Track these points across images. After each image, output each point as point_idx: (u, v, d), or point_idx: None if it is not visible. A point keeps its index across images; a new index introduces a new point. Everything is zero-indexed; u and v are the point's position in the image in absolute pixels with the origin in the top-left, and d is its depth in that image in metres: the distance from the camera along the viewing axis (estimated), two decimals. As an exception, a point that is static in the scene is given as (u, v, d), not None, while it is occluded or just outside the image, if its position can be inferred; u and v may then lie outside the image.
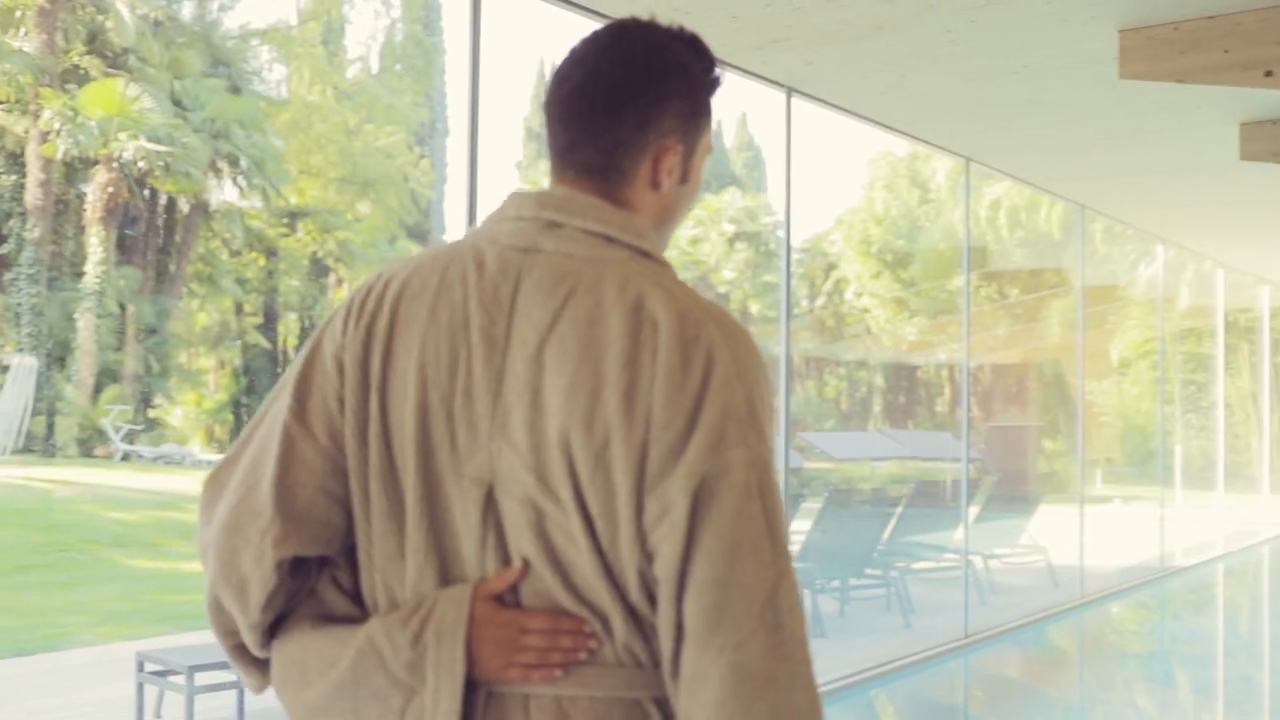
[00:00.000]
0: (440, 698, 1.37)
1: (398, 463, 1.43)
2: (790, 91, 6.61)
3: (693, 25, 5.04)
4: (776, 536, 1.33)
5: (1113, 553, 12.94)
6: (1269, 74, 5.17)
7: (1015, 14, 5.31)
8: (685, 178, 1.55)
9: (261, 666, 1.53)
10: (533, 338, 1.39)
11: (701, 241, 34.78)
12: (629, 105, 1.48)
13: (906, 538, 10.47)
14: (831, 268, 34.63)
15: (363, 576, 1.47)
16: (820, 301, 35.04)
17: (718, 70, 1.57)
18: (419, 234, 31.92)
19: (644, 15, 1.55)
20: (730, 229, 35.11)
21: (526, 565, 1.38)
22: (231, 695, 5.84)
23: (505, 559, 1.40)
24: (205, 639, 8.66)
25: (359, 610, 1.47)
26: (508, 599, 1.39)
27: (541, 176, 36.89)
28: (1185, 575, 13.17)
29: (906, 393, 35.19)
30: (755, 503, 1.32)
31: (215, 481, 1.52)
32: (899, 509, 10.49)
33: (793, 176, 7.02)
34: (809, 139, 7.64)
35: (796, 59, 5.96)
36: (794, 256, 7.59)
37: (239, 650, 1.52)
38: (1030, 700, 8.12)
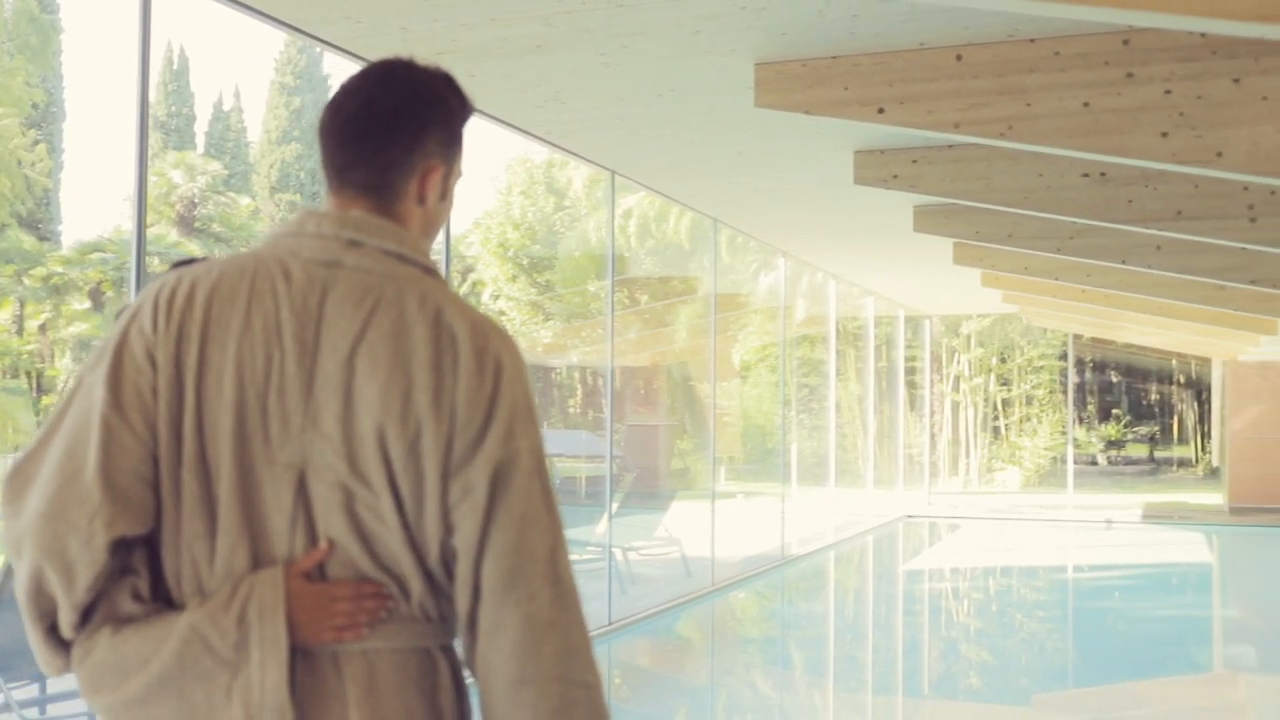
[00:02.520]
0: (267, 668, 1.54)
1: (209, 451, 1.59)
2: (450, 101, 6.80)
3: (362, 34, 5.21)
4: (552, 508, 1.62)
5: (739, 544, 13.81)
6: (881, 111, 5.82)
7: (663, 43, 5.72)
8: (444, 195, 1.79)
9: (66, 649, 1.63)
10: (344, 345, 1.59)
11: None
12: (399, 131, 1.71)
13: (550, 533, 10.83)
14: (469, 270, 34.86)
15: (165, 555, 1.61)
16: (458, 304, 35.14)
17: (469, 104, 1.82)
18: (32, 224, 29.83)
19: (405, 56, 1.79)
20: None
21: (332, 545, 1.59)
22: None
23: (312, 534, 1.60)
24: None
25: (157, 606, 1.61)
26: (313, 574, 1.59)
27: (169, 168, 35.20)
28: (801, 563, 14.20)
29: (541, 394, 35.93)
30: (536, 481, 1.60)
31: (19, 476, 1.62)
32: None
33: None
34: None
35: (459, 72, 6.08)
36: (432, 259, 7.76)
37: (50, 633, 1.62)
38: (668, 681, 8.66)
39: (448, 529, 1.59)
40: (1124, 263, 9.16)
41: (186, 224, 33.26)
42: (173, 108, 42.30)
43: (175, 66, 42.94)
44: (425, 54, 6.05)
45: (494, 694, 1.58)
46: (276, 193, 38.90)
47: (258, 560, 1.60)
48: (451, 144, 1.78)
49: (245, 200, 34.33)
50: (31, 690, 6.08)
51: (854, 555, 16.08)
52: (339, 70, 43.13)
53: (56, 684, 5.89)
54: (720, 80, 6.31)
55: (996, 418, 28.12)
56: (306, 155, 39.60)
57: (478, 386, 1.59)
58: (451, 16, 5.34)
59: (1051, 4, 3.81)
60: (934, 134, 5.90)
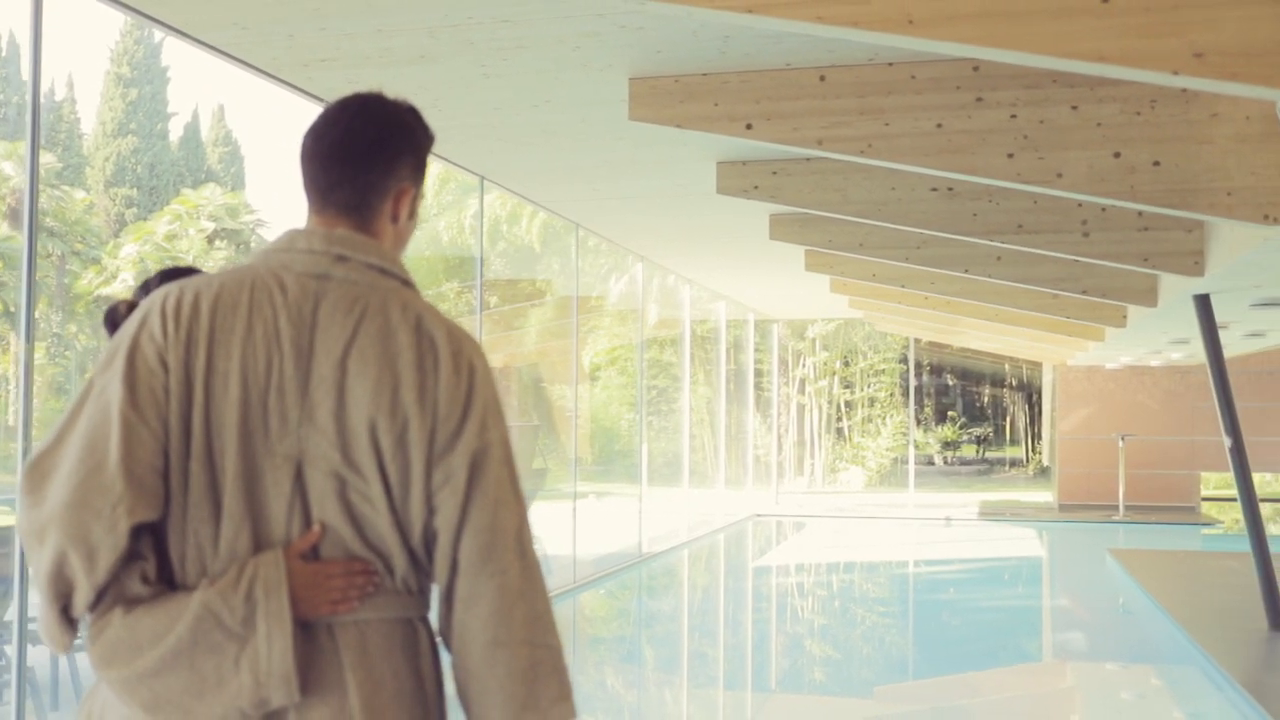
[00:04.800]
0: (273, 640, 1.74)
1: (216, 445, 1.79)
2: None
3: (248, 40, 5.37)
4: (518, 491, 1.85)
5: (597, 542, 14.06)
6: (749, 127, 6.13)
7: (544, 57, 5.93)
8: (412, 214, 2.02)
9: (75, 628, 1.80)
10: (336, 348, 1.80)
11: (179, 238, 33.44)
12: (378, 156, 1.93)
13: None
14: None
15: (171, 540, 1.80)
16: (305, 304, 34.56)
17: (432, 134, 2.05)
18: None
19: (374, 90, 2.01)
20: (210, 226, 33.99)
21: (325, 528, 1.79)
22: None
23: (307, 519, 1.80)
24: None
25: (163, 588, 1.78)
26: (307, 554, 1.79)
27: (2, 160, 33.99)
28: (656, 561, 14.56)
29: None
30: (505, 469, 1.83)
31: (38, 470, 1.78)
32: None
33: (280, 177, 7.30)
34: (290, 137, 8.00)
35: (339, 78, 6.26)
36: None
37: (63, 613, 1.78)
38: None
39: (430, 510, 1.81)
40: (966, 272, 9.67)
41: (18, 217, 32.17)
42: (1, 96, 40.78)
43: (4, 54, 41.40)
44: (306, 60, 6.20)
45: (469, 656, 1.80)
46: (112, 187, 37.74)
47: (258, 543, 1.79)
48: (419, 169, 2.01)
49: (80, 194, 33.32)
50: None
51: (706, 553, 16.47)
52: (179, 63, 42.03)
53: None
54: (595, 93, 6.54)
55: (840, 419, 28.89)
56: (143, 149, 38.49)
57: (455, 385, 1.81)
58: (339, 26, 5.47)
59: (908, 37, 4.10)
60: (797, 149, 6.22)
